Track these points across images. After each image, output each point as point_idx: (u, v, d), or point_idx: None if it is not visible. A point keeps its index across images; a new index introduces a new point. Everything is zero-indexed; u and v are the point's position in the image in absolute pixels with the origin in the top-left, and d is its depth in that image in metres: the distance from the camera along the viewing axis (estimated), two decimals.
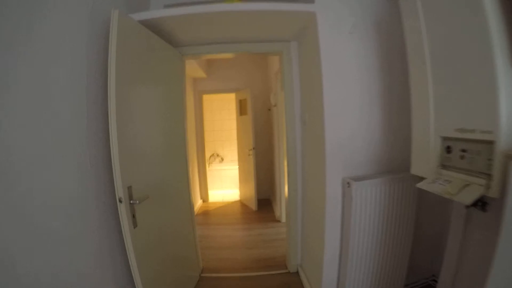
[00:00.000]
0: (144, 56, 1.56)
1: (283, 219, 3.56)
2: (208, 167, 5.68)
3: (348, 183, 1.61)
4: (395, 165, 1.75)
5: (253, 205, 4.12)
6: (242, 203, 4.51)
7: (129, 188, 1.33)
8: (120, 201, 1.28)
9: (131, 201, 1.33)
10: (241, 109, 4.35)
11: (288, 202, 2.34)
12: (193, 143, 4.33)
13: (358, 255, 1.64)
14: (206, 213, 4.10)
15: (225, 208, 4.33)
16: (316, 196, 1.88)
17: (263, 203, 4.33)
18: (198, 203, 4.36)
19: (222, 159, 5.96)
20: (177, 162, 2.08)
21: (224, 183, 5.36)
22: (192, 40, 2.09)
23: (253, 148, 3.91)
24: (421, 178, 1.27)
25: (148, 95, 1.63)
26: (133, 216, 1.35)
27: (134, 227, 1.35)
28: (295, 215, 2.30)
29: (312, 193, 2.00)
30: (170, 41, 1.99)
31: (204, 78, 4.44)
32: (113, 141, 1.25)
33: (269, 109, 4.39)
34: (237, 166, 4.71)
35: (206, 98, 5.46)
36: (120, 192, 1.27)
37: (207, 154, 5.79)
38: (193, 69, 3.84)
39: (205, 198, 4.63)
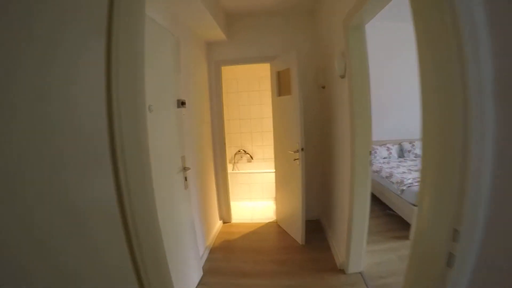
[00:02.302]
0: None
1: (351, 269, 2.09)
2: (233, 169, 4.31)
3: None
4: None
5: (298, 237, 2.64)
6: (280, 228, 3.04)
7: None
8: None
9: None
10: (280, 86, 2.84)
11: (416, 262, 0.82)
12: (208, 137, 2.93)
13: None
14: (226, 247, 2.69)
15: (255, 237, 2.88)
16: None
17: (311, 229, 2.82)
18: (216, 226, 3.00)
19: (252, 158, 4.53)
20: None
21: (253, 192, 3.92)
22: None
23: (302, 149, 2.39)
24: None
25: None
26: None
27: None
28: None
29: None
30: None
31: (223, 41, 2.96)
32: None
33: (323, 87, 2.82)
34: (273, 170, 3.24)
35: (228, 72, 4.05)
36: None
37: (232, 151, 4.41)
38: (206, 26, 2.43)
39: (226, 218, 3.24)
